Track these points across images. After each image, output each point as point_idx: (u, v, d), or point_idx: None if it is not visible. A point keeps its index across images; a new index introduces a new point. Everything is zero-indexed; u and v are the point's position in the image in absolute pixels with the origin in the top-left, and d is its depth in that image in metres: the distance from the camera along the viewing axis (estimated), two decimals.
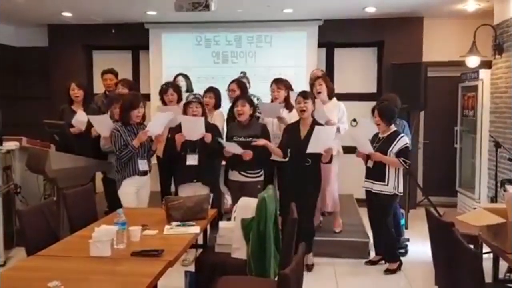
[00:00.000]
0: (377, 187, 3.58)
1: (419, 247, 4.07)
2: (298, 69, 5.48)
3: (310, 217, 3.54)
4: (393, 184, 3.55)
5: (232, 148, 3.54)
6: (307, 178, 3.48)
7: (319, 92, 3.95)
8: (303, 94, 3.52)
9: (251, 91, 4.53)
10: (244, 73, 4.91)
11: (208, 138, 3.56)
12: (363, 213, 4.38)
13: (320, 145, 3.34)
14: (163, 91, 4.23)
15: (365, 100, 5.45)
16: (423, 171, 5.88)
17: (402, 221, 4.15)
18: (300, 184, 3.48)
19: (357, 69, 5.82)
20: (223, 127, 4.16)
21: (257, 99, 4.44)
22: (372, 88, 5.80)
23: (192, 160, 3.57)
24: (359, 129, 3.77)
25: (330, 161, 3.52)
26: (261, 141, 3.46)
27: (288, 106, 4.01)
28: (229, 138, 3.66)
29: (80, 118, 4.14)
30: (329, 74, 5.23)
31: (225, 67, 5.69)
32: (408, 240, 4.11)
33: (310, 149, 3.35)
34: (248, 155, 3.52)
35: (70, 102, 4.41)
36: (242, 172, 3.66)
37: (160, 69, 5.82)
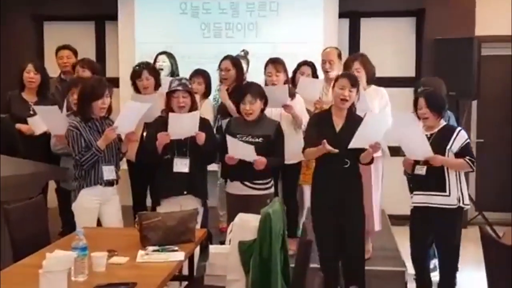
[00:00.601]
0: (437, 200, 3.56)
1: (472, 278, 4.08)
2: (313, 46, 5.46)
3: (360, 245, 3.54)
4: (457, 194, 3.55)
5: (241, 151, 3.53)
6: (348, 185, 3.49)
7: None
8: (350, 79, 3.53)
9: (249, 76, 4.58)
10: (245, 52, 4.90)
11: (202, 138, 3.57)
12: (399, 233, 4.37)
13: (368, 137, 3.37)
14: (136, 75, 4.24)
15: (400, 87, 5.44)
16: (475, 179, 5.86)
17: None
18: (339, 195, 3.48)
19: (390, 46, 5.81)
20: (213, 121, 4.22)
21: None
22: (409, 71, 5.82)
23: (181, 165, 3.59)
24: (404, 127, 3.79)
25: (371, 162, 3.54)
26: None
27: (290, 93, 4.05)
28: (230, 135, 3.67)
29: (38, 120, 4.11)
30: (352, 52, 5.20)
31: (218, 43, 5.68)
32: (457, 269, 4.08)
33: (355, 142, 3.36)
34: (262, 163, 3.53)
35: (21, 88, 4.41)
36: (246, 183, 3.67)
37: (132, 46, 5.82)
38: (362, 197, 3.58)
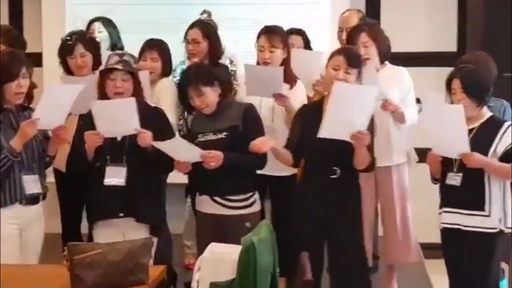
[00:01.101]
0: (471, 221, 3.61)
1: None
2: (314, 7, 5.49)
3: (360, 277, 3.66)
4: (499, 214, 3.59)
5: (184, 152, 3.57)
6: (335, 203, 3.57)
7: (366, 58, 4.03)
8: (348, 56, 3.58)
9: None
10: (207, 13, 4.94)
11: (146, 138, 3.55)
12: (433, 268, 4.42)
13: (345, 122, 3.39)
14: (66, 50, 4.27)
15: (436, 65, 5.50)
16: None
17: (503, 282, 4.17)
18: (325, 217, 3.57)
19: (421, 10, 5.86)
20: (174, 108, 4.31)
21: (231, 62, 4.63)
22: (449, 45, 5.89)
23: (114, 176, 3.61)
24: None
25: (371, 167, 3.60)
26: (258, 143, 3.51)
27: (289, 75, 4.12)
28: (191, 139, 3.73)
29: None
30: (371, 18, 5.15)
31: (177, 4, 5.71)
32: None
33: (326, 130, 3.40)
34: (212, 158, 3.54)
35: None
36: (217, 199, 3.71)
37: (60, 8, 5.81)
38: (359, 219, 3.68)
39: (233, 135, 3.66)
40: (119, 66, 3.60)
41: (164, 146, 3.53)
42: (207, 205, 3.74)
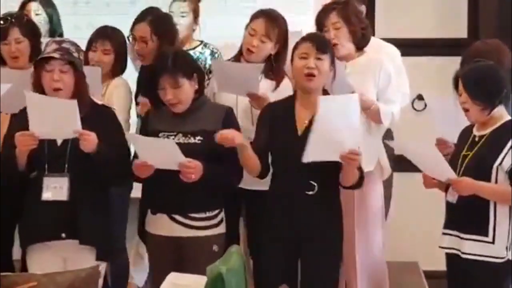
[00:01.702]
0: (471, 248, 3.60)
1: None
2: None
3: None
4: (506, 241, 3.58)
5: (156, 151, 3.55)
6: (314, 223, 3.58)
7: (334, 44, 4.02)
8: (315, 41, 3.62)
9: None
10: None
11: (90, 141, 3.52)
12: None
13: (334, 141, 3.40)
14: None
15: (443, 54, 5.54)
16: None
17: None
18: (301, 239, 3.58)
19: None
20: (128, 116, 4.35)
21: (213, 54, 4.62)
22: (458, 29, 5.90)
23: (54, 189, 3.59)
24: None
25: (359, 185, 3.63)
26: (229, 133, 3.53)
27: (276, 73, 4.16)
28: (149, 135, 3.74)
29: None
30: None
31: None
32: None
33: (313, 152, 3.41)
34: (194, 169, 3.52)
35: None
36: (177, 217, 3.69)
37: None
38: (340, 243, 3.70)
39: (209, 141, 3.60)
40: (56, 55, 3.56)
41: (137, 141, 3.55)
42: (163, 225, 3.71)
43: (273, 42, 4.13)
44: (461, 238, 3.62)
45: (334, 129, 3.40)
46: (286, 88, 4.12)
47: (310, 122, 3.53)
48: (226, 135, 3.50)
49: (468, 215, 3.57)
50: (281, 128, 3.62)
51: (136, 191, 4.15)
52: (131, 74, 4.58)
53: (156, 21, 4.38)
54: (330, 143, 3.40)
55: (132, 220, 4.42)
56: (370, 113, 4.04)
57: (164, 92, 3.64)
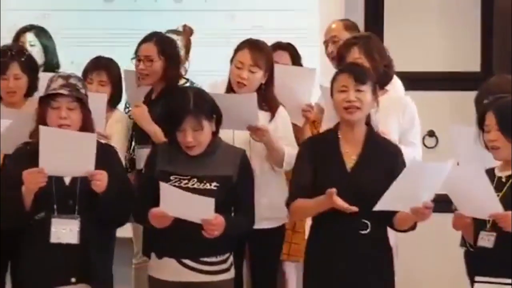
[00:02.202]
0: None
1: None
2: (301, 17, 5.62)
3: None
4: None
5: (185, 207, 3.44)
6: (368, 265, 3.52)
7: None
8: (355, 72, 3.57)
9: (192, 69, 4.70)
10: (187, 28, 4.91)
11: (102, 181, 3.49)
12: None
13: (409, 196, 3.34)
14: None
15: (453, 89, 5.54)
16: None
17: None
18: (352, 282, 3.51)
19: (436, 20, 5.89)
20: (126, 152, 4.33)
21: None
22: (471, 63, 5.88)
23: (65, 232, 3.52)
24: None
25: (412, 228, 3.57)
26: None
27: (270, 102, 4.13)
28: (158, 176, 3.63)
29: None
30: (371, 30, 5.28)
31: (134, 10, 5.78)
32: None
33: (385, 203, 3.35)
34: (218, 225, 3.45)
35: None
36: (187, 262, 3.60)
37: None
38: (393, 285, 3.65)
39: (225, 187, 3.56)
40: (64, 91, 3.53)
41: (169, 191, 3.42)
42: (171, 270, 3.60)
43: (262, 71, 4.11)
44: (495, 283, 3.52)
45: (413, 188, 3.32)
46: (283, 117, 4.14)
47: (359, 157, 3.52)
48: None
49: (502, 260, 3.45)
50: (328, 164, 3.54)
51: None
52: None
53: (162, 42, 4.37)
54: (407, 197, 3.33)
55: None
56: None
57: (184, 134, 3.52)
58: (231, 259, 3.66)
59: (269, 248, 4.14)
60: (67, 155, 3.43)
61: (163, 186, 3.42)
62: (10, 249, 3.77)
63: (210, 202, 3.36)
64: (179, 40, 4.69)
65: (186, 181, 3.56)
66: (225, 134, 3.89)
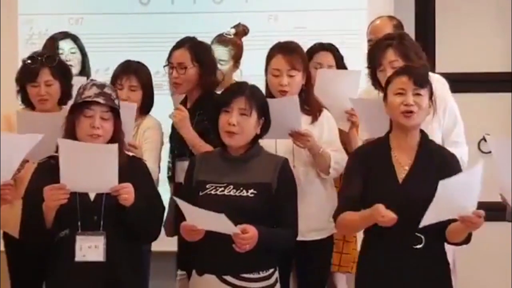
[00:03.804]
0: None
1: None
2: (347, 16, 5.69)
3: None
4: None
5: (207, 221, 3.41)
6: (424, 281, 3.47)
7: None
8: (412, 74, 3.51)
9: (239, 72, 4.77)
10: (241, 27, 4.89)
11: (129, 195, 3.48)
12: None
13: (451, 207, 3.29)
14: (27, 75, 4.22)
15: (500, 91, 5.59)
16: None
17: None
18: None
19: (489, 17, 5.91)
20: (159, 160, 4.36)
21: None
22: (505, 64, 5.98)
23: (90, 249, 3.52)
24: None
25: (468, 240, 3.49)
26: None
27: (311, 104, 4.10)
28: (196, 187, 3.63)
29: None
30: (421, 30, 5.28)
31: (168, 16, 5.82)
32: None
33: (429, 218, 3.29)
34: (249, 239, 3.40)
35: None
36: (228, 278, 3.56)
37: (12, 20, 5.85)
38: None
39: (264, 195, 3.51)
40: (100, 100, 3.51)
41: (186, 209, 3.39)
42: (212, 287, 3.55)
43: (301, 72, 4.09)
44: None
45: (456, 199, 3.25)
46: (328, 121, 4.14)
47: (412, 167, 3.47)
48: None
49: None
50: (378, 176, 3.49)
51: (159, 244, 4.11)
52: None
53: (196, 47, 4.32)
54: (451, 207, 3.26)
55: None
56: None
57: (229, 115, 3.50)
58: (276, 275, 3.61)
59: (317, 261, 4.11)
60: (89, 169, 3.43)
61: (179, 203, 3.41)
62: (43, 267, 3.75)
63: (222, 217, 3.32)
64: (227, 52, 4.71)
65: (222, 189, 3.54)
66: (267, 144, 3.87)
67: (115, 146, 3.44)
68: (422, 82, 3.49)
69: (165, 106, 4.46)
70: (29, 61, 4.20)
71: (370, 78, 4.08)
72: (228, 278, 3.50)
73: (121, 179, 3.45)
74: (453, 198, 3.26)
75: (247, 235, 3.34)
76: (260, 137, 3.65)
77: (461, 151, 4.05)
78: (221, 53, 4.54)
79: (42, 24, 5.51)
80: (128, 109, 3.80)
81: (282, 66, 4.06)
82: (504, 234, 3.74)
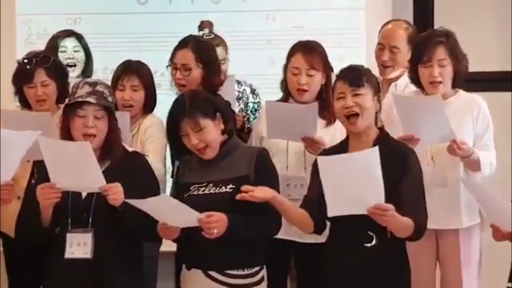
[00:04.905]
0: None
1: None
2: (348, 13, 5.66)
3: None
4: None
5: (174, 215, 3.43)
6: (374, 280, 3.45)
7: (438, 82, 4.04)
8: (345, 76, 3.53)
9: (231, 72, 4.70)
10: (208, 32, 4.88)
11: (116, 194, 3.47)
12: None
13: (353, 198, 3.29)
14: (23, 76, 4.25)
15: (509, 90, 5.63)
16: None
17: None
18: None
19: (487, 17, 5.92)
20: (164, 157, 4.31)
21: (253, 91, 4.70)
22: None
23: (78, 246, 3.53)
24: None
25: (415, 238, 3.46)
26: (258, 191, 3.41)
27: (330, 109, 4.04)
28: (181, 190, 3.67)
29: None
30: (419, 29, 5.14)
31: (166, 16, 5.84)
32: None
33: (333, 209, 3.34)
34: (213, 225, 3.40)
35: None
36: (213, 274, 3.58)
37: (10, 20, 5.83)
38: None
39: (240, 188, 3.48)
40: (91, 99, 3.52)
41: (147, 206, 3.38)
42: (198, 282, 3.58)
43: (320, 71, 4.11)
44: None
45: (348, 185, 3.26)
46: (342, 127, 4.07)
47: None
48: (247, 188, 3.38)
49: None
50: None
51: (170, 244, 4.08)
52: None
53: (200, 47, 4.31)
54: (349, 198, 3.27)
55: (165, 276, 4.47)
56: (469, 162, 4.02)
57: (188, 138, 3.54)
58: (262, 273, 3.62)
59: (316, 261, 4.00)
60: (71, 167, 3.42)
61: (134, 202, 3.40)
62: (40, 265, 3.80)
63: (165, 198, 3.44)
64: (221, 49, 4.69)
65: (203, 188, 3.56)
66: (279, 144, 4.01)
67: (86, 143, 3.44)
68: (358, 82, 3.49)
69: (164, 106, 4.39)
70: (24, 62, 4.22)
71: (410, 74, 4.08)
72: (213, 273, 3.53)
73: (119, 175, 3.46)
74: (347, 181, 3.23)
75: (212, 218, 3.34)
76: (230, 129, 3.66)
77: (491, 154, 4.09)
78: (219, 54, 4.53)
79: (40, 24, 5.53)
80: (120, 118, 3.77)
81: (301, 64, 4.08)
82: None
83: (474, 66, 5.55)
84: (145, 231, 3.61)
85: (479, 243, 4.16)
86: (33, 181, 3.76)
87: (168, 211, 3.41)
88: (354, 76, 3.51)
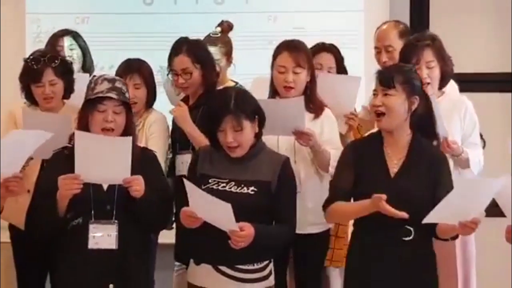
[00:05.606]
0: None
1: None
2: (348, 15, 5.66)
3: None
4: None
5: (209, 210, 3.44)
6: (411, 273, 3.48)
7: (428, 82, 4.02)
8: (379, 75, 3.55)
9: (237, 72, 4.67)
10: (225, 24, 4.84)
11: (139, 187, 3.50)
12: None
13: (459, 211, 3.28)
14: (31, 75, 4.25)
15: (503, 91, 5.60)
16: None
17: None
18: None
19: (483, 19, 5.89)
20: (167, 152, 4.33)
21: None
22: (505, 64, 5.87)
23: (103, 237, 3.56)
24: None
25: (456, 237, 3.54)
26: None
27: (315, 102, 4.13)
28: (198, 180, 3.62)
29: None
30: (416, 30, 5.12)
31: (172, 16, 5.84)
32: None
33: (435, 216, 3.31)
34: (246, 236, 3.43)
35: None
36: (224, 269, 3.60)
37: (19, 19, 5.89)
38: None
39: (263, 193, 3.55)
40: (112, 95, 3.56)
41: (193, 192, 3.40)
42: (208, 277, 3.59)
43: (305, 69, 4.11)
44: None
45: (467, 202, 3.25)
46: (329, 120, 4.17)
47: (403, 162, 3.50)
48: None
49: None
50: (371, 169, 3.52)
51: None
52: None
53: (194, 49, 4.30)
54: (457, 211, 3.26)
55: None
56: (459, 160, 4.06)
57: (224, 134, 3.53)
58: (270, 266, 3.65)
59: (313, 253, 4.14)
60: (102, 161, 3.45)
61: (187, 185, 3.40)
62: (49, 257, 3.87)
63: (228, 207, 3.31)
64: (218, 51, 4.64)
65: (224, 184, 3.56)
66: (269, 140, 3.91)
67: (129, 139, 3.47)
68: (388, 82, 3.48)
69: (165, 103, 4.57)
70: (32, 62, 4.22)
71: None
72: (223, 268, 3.54)
73: (133, 171, 3.48)
74: (465, 201, 3.23)
75: (243, 233, 3.36)
76: (261, 133, 3.67)
77: (479, 152, 4.16)
78: (213, 53, 4.50)
79: (49, 23, 5.54)
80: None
81: (287, 63, 4.09)
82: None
83: (471, 67, 5.64)
84: (160, 223, 3.73)
85: (473, 238, 4.17)
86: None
87: (210, 208, 3.41)
88: (386, 76, 3.53)
